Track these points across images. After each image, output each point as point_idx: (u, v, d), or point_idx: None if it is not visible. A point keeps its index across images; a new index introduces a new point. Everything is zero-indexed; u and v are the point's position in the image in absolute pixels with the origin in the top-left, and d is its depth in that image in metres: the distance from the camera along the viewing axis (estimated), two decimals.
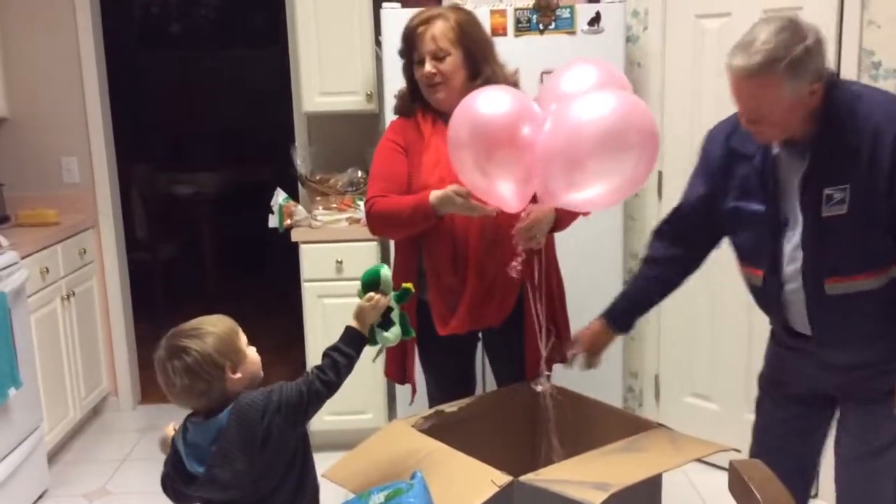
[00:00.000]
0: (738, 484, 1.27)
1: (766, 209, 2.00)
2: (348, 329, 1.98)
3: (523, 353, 2.51)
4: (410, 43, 2.45)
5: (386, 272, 2.02)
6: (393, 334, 2.04)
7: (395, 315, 2.05)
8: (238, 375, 1.84)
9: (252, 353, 1.91)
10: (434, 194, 2.32)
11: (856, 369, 2.01)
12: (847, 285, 1.92)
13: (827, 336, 2.00)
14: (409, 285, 2.07)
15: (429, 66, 2.40)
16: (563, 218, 2.38)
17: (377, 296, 1.99)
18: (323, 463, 2.06)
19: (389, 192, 2.45)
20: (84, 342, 3.87)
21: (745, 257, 2.09)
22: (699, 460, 2.12)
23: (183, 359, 1.79)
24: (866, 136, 1.86)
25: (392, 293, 2.04)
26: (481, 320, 2.46)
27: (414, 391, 2.69)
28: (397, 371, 2.64)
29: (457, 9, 2.52)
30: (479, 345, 2.66)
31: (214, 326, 1.85)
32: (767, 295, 2.05)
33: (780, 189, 1.99)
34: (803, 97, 1.85)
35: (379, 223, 2.49)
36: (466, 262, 2.40)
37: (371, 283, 2.01)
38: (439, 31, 2.40)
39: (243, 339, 1.90)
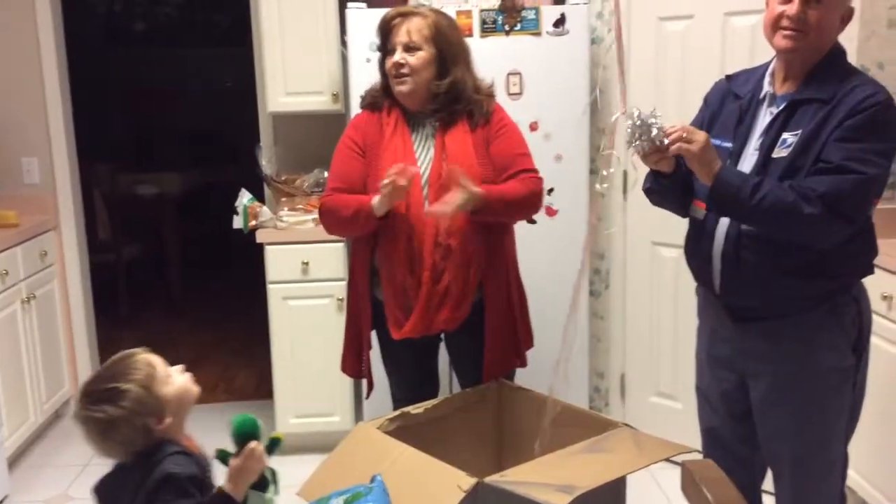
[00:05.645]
0: (690, 484, 1.28)
1: (732, 146, 2.12)
2: (218, 496, 1.69)
3: (482, 356, 2.52)
4: (385, 33, 2.49)
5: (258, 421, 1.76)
6: (271, 493, 1.78)
7: (266, 471, 1.78)
8: (168, 421, 1.72)
9: (178, 381, 1.76)
10: (376, 197, 2.38)
11: (750, 322, 2.13)
12: None
13: (729, 274, 2.10)
14: (279, 435, 1.81)
15: (398, 56, 2.44)
16: (492, 208, 2.40)
17: (259, 446, 1.72)
18: (292, 467, 2.02)
19: (341, 192, 2.50)
20: (45, 345, 3.81)
21: (701, 194, 2.16)
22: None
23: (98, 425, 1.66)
24: (836, 97, 1.98)
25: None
26: (435, 325, 2.46)
27: (370, 386, 2.69)
28: (353, 366, 2.64)
29: (438, 11, 2.56)
30: (442, 345, 2.67)
31: (129, 380, 1.69)
32: (704, 229, 2.15)
33: (751, 131, 2.12)
34: (843, 12, 2.02)
35: (326, 221, 2.56)
36: (422, 264, 2.41)
37: (248, 434, 1.72)
38: (415, 25, 2.45)
39: (161, 373, 1.74)
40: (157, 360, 1.77)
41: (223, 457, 1.73)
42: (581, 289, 2.17)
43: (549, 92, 3.32)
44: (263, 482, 1.76)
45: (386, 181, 2.31)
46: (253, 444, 1.71)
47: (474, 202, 2.34)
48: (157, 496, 1.64)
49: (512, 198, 2.44)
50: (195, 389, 1.81)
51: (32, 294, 3.70)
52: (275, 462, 1.81)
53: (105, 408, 1.66)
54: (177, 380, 1.77)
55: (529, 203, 2.50)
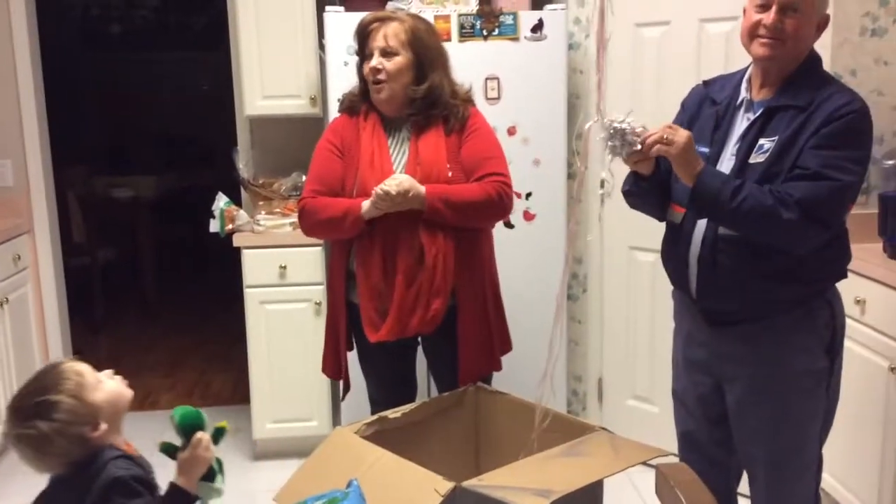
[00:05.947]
0: (664, 487, 1.29)
1: (709, 151, 2.13)
2: (172, 491, 1.69)
3: (457, 361, 2.52)
4: (362, 38, 2.49)
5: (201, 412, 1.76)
6: (219, 483, 1.77)
7: (213, 461, 1.77)
8: (103, 427, 1.68)
9: (109, 387, 1.72)
10: (365, 202, 2.39)
11: (727, 325, 2.14)
12: None
13: (706, 278, 2.11)
14: (223, 424, 1.81)
15: (375, 61, 2.44)
16: (433, 207, 2.38)
17: (206, 436, 1.72)
18: (269, 472, 2.01)
19: (321, 194, 2.50)
20: (18, 350, 3.76)
21: (678, 197, 2.17)
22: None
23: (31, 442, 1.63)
24: (813, 105, 2.00)
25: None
26: (410, 328, 2.45)
27: (347, 388, 2.68)
28: (332, 367, 2.64)
29: (416, 16, 2.57)
30: (419, 348, 2.66)
31: (59, 390, 1.65)
32: (681, 233, 2.16)
33: (728, 136, 2.13)
34: (818, 19, 2.05)
35: (307, 222, 2.54)
36: (395, 268, 2.41)
37: (193, 425, 1.72)
38: (392, 30, 2.44)
39: (90, 380, 1.70)
40: (84, 368, 1.73)
41: (169, 449, 1.71)
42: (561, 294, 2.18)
43: (526, 97, 3.33)
44: (210, 472, 1.75)
45: (380, 192, 2.32)
46: (200, 434, 1.70)
47: (419, 200, 2.35)
48: (107, 502, 1.61)
49: (459, 199, 2.40)
50: (128, 393, 1.78)
51: (5, 298, 3.65)
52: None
53: (37, 423, 1.62)
54: (107, 385, 1.74)
55: (488, 206, 2.44)
